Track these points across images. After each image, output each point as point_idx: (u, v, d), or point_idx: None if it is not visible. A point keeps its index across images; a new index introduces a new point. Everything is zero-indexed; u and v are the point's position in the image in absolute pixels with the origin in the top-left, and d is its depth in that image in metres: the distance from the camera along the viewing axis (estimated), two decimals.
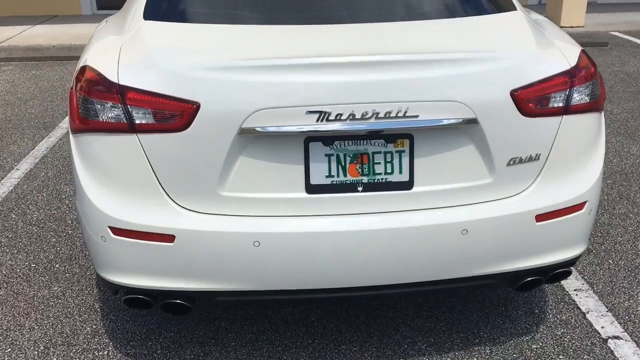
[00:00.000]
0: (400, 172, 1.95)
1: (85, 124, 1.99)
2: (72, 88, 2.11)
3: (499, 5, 2.30)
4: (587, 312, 2.61)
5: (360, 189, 1.95)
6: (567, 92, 2.00)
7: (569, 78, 2.01)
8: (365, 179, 1.95)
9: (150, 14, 2.22)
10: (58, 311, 2.65)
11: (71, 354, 2.40)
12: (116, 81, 1.95)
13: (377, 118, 1.86)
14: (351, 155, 1.94)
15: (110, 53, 2.09)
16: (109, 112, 1.94)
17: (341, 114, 1.85)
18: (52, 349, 2.43)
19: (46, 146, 4.46)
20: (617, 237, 3.18)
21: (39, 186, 3.81)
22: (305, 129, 1.85)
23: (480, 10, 2.25)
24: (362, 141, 1.93)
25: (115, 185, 1.98)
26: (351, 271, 1.97)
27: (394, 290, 2.04)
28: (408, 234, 1.95)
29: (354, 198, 1.95)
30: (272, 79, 1.85)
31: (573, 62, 2.06)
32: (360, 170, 1.94)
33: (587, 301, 2.68)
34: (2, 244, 3.18)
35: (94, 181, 2.01)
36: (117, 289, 2.13)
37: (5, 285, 2.83)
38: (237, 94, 1.85)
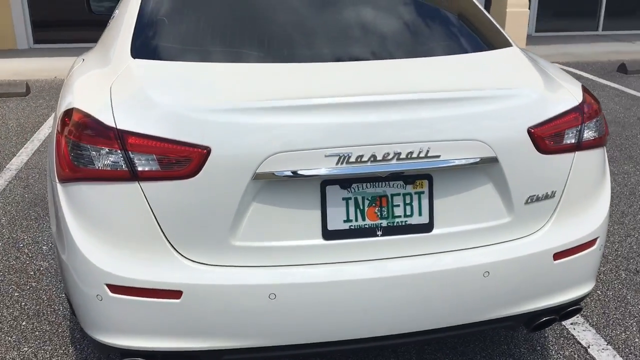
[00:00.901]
0: (420, 214, 1.87)
1: (77, 172, 1.81)
2: (58, 133, 1.93)
3: (497, 41, 2.29)
4: (588, 347, 2.59)
5: (379, 233, 1.86)
6: (579, 129, 1.99)
7: (580, 114, 2.01)
8: (384, 223, 1.86)
9: (139, 51, 2.08)
10: None
11: None
12: (113, 125, 1.79)
13: (398, 159, 1.78)
14: (370, 198, 1.84)
15: (99, 94, 1.93)
16: (106, 159, 1.77)
17: (362, 156, 1.76)
18: None
19: None
20: (600, 268, 3.21)
21: None
22: (325, 172, 1.75)
23: (480, 47, 2.23)
24: (380, 183, 1.84)
25: (113, 239, 1.81)
26: (372, 320, 1.86)
27: (416, 337, 1.94)
28: (430, 278, 1.87)
29: (373, 243, 1.85)
30: (287, 121, 1.74)
31: (580, 99, 2.06)
32: (379, 213, 1.85)
33: (586, 335, 2.66)
34: None
35: (88, 234, 1.83)
36: (111, 352, 1.93)
37: None
38: (251, 137, 1.73)
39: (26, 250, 3.35)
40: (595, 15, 10.80)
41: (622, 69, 7.84)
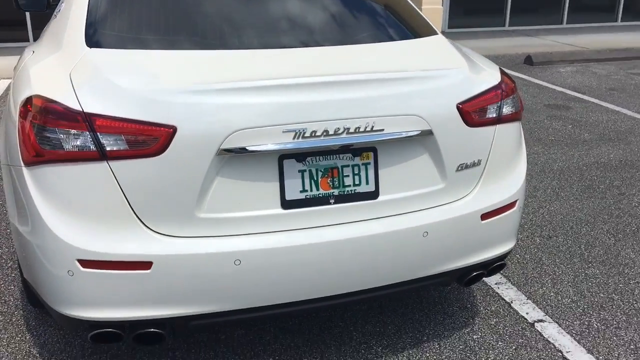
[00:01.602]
0: (367, 183, 2.09)
1: (45, 154, 1.90)
2: (20, 120, 2.00)
3: (425, 30, 2.55)
4: (511, 302, 2.90)
5: (332, 201, 2.06)
6: (499, 104, 2.28)
7: (499, 92, 2.29)
8: (336, 192, 2.06)
9: (93, 40, 2.18)
10: None
11: None
12: (79, 109, 1.89)
13: (347, 133, 1.99)
14: (322, 170, 2.04)
15: (60, 81, 2.02)
16: (75, 141, 1.88)
17: (315, 131, 1.95)
18: None
19: None
20: (518, 235, 3.56)
21: None
22: (282, 147, 1.93)
23: (411, 35, 2.47)
24: (332, 156, 2.04)
25: (84, 216, 1.91)
26: (328, 280, 2.06)
27: (367, 294, 2.16)
28: (377, 240, 2.09)
29: (327, 210, 2.06)
30: (247, 101, 1.91)
31: (498, 78, 2.35)
32: (331, 183, 2.05)
33: (509, 292, 2.98)
34: None
35: (58, 214, 1.92)
36: (81, 326, 2.03)
37: None
38: (214, 116, 1.88)
39: None
40: (502, 12, 11.50)
41: (528, 61, 8.45)
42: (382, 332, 2.67)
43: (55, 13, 2.66)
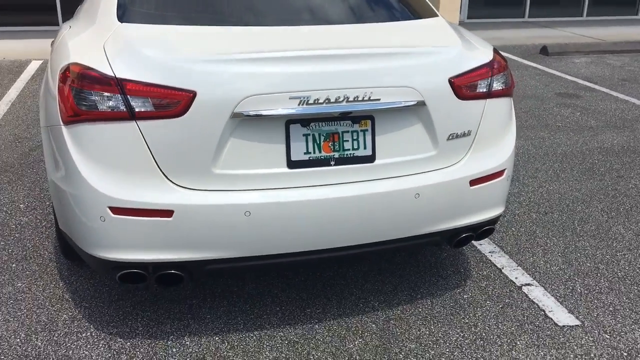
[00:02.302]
0: (365, 147, 2.34)
1: (82, 114, 2.18)
2: (60, 85, 2.28)
3: (426, 12, 2.78)
4: (502, 268, 3.13)
5: (332, 162, 2.31)
6: (489, 80, 2.50)
7: (490, 69, 2.51)
8: (336, 155, 2.31)
9: (124, 17, 2.45)
10: (29, 304, 2.74)
11: (54, 338, 2.53)
12: (112, 74, 2.16)
13: (347, 101, 2.23)
14: (324, 135, 2.29)
15: (95, 51, 2.29)
16: (108, 102, 2.15)
17: (318, 99, 2.20)
18: (33, 335, 2.54)
19: None
20: (515, 211, 3.78)
21: None
22: (288, 112, 2.19)
23: (412, 16, 2.70)
24: (333, 122, 2.29)
25: (114, 169, 2.19)
26: (328, 233, 2.32)
27: (365, 249, 2.41)
28: (373, 199, 2.33)
29: (328, 171, 2.31)
30: (258, 70, 2.16)
31: (490, 57, 2.57)
32: (332, 147, 2.30)
33: (501, 260, 3.21)
34: None
35: (92, 166, 2.20)
36: (111, 267, 2.31)
37: None
38: (230, 83, 2.14)
39: (4, 209, 3.63)
40: (521, 4, 11.59)
41: (544, 52, 8.58)
42: (379, 289, 2.92)
43: None
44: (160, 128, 2.15)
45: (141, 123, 2.15)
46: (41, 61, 7.38)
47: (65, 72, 2.28)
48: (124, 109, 2.14)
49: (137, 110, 2.14)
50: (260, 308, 2.76)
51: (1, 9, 9.32)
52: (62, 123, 2.26)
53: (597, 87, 6.88)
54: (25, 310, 2.69)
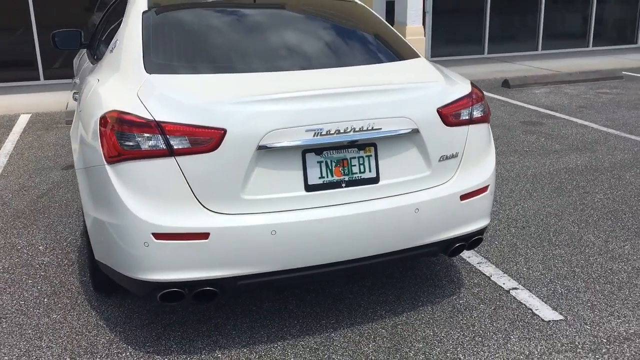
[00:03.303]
0: (370, 170, 2.70)
1: (125, 153, 2.50)
2: (101, 129, 2.60)
3: (410, 54, 3.20)
4: (491, 276, 3.50)
5: (343, 185, 2.67)
6: (470, 109, 2.91)
7: (470, 100, 2.93)
8: (346, 178, 2.67)
9: (151, 69, 2.79)
10: (67, 332, 2.99)
11: (98, 359, 2.78)
12: (151, 118, 2.50)
13: (354, 131, 2.60)
14: (335, 161, 2.65)
15: (131, 100, 2.63)
16: (149, 142, 2.48)
17: (330, 130, 2.57)
18: (77, 358, 2.78)
19: None
20: (496, 227, 4.18)
21: None
22: (305, 142, 2.54)
23: (400, 58, 3.12)
24: (342, 150, 2.66)
25: (156, 199, 2.50)
26: (342, 247, 2.65)
27: (374, 260, 2.74)
28: (379, 215, 2.69)
29: (339, 192, 2.66)
30: (279, 108, 2.53)
31: (469, 89, 2.99)
32: (342, 171, 2.66)
33: (488, 269, 3.58)
34: None
35: (136, 198, 2.51)
36: (152, 288, 2.59)
37: (4, 320, 3.09)
38: (254, 120, 2.50)
39: (25, 251, 3.88)
40: (480, 41, 12.32)
41: (506, 84, 9.18)
42: (384, 300, 3.25)
43: (110, 48, 3.28)
44: (196, 162, 2.48)
45: (179, 158, 2.48)
46: (30, 114, 7.63)
47: (106, 118, 2.60)
48: (164, 147, 2.47)
49: (175, 147, 2.47)
50: (280, 322, 3.06)
51: None
52: (105, 163, 2.57)
53: (557, 114, 7.44)
54: (65, 338, 2.94)
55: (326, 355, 2.79)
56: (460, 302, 3.23)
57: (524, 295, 3.29)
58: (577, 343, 2.87)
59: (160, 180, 2.49)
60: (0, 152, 6.06)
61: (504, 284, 3.41)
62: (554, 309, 3.16)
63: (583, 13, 13.03)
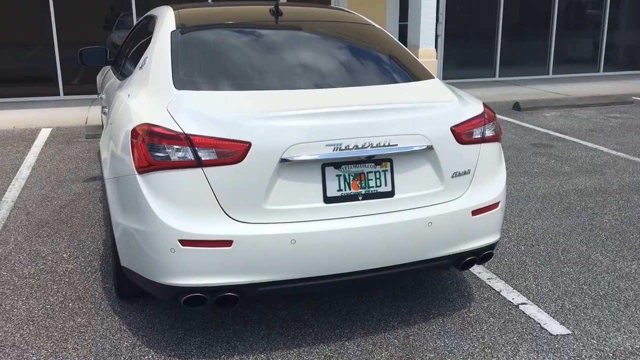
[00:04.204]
0: (386, 185, 2.83)
1: (156, 164, 2.64)
2: (132, 140, 2.75)
3: (426, 75, 3.35)
4: (500, 291, 3.60)
5: (360, 198, 2.79)
6: (482, 128, 3.04)
7: (482, 119, 3.06)
8: (363, 191, 2.80)
9: (179, 85, 2.95)
10: (91, 335, 3.11)
11: None
12: (181, 131, 2.65)
13: (372, 147, 2.74)
14: (353, 175, 2.79)
15: (161, 113, 2.78)
16: (178, 154, 2.62)
17: (348, 145, 2.71)
18: None
19: (0, 217, 4.75)
20: (505, 244, 4.28)
21: (14, 249, 4.15)
22: (325, 156, 2.68)
23: (416, 78, 3.27)
24: (360, 164, 2.79)
25: (183, 208, 2.64)
26: (358, 257, 2.77)
27: (388, 271, 2.85)
28: (394, 227, 2.81)
29: (356, 205, 2.79)
30: (301, 123, 2.67)
31: (481, 109, 3.13)
32: (360, 185, 2.79)
33: (498, 284, 3.68)
34: (8, 294, 3.53)
35: (164, 206, 2.65)
36: (177, 292, 2.72)
37: (31, 323, 3.22)
38: (278, 134, 2.64)
39: (49, 258, 4.02)
40: (492, 65, 12.49)
41: (517, 107, 9.32)
42: (396, 312, 3.35)
43: (139, 65, 3.45)
44: (222, 173, 2.62)
45: (206, 169, 2.62)
46: (50, 128, 7.84)
47: (138, 130, 2.75)
48: (192, 158, 2.61)
49: (203, 159, 2.61)
50: (295, 330, 3.17)
51: (7, 81, 9.84)
52: (135, 172, 2.72)
53: (567, 137, 7.55)
54: (90, 340, 3.06)
55: None
56: (471, 315, 3.33)
57: (532, 310, 3.38)
58: (583, 357, 2.96)
59: (188, 190, 2.63)
60: (23, 165, 6.24)
61: (513, 299, 3.50)
62: (562, 323, 3.25)
63: (594, 38, 13.19)
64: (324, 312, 3.34)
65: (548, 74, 12.88)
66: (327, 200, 2.75)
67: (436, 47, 11.26)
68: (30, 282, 3.67)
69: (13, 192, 5.37)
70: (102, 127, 6.27)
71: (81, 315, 3.30)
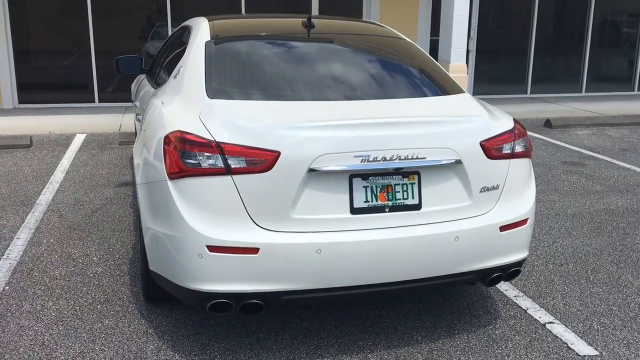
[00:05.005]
0: (413, 197, 2.84)
1: (187, 170, 2.69)
2: (165, 147, 2.81)
3: (456, 89, 3.35)
4: (527, 309, 3.55)
5: (387, 210, 2.80)
6: (512, 144, 3.03)
7: (512, 135, 3.05)
8: (390, 203, 2.81)
9: (212, 94, 3.01)
10: (118, 337, 3.16)
11: None
12: (212, 139, 2.70)
13: (400, 160, 2.75)
14: (380, 187, 2.80)
15: (193, 122, 2.84)
16: (209, 161, 2.67)
17: (377, 157, 2.72)
18: None
19: (34, 219, 4.87)
20: (534, 262, 4.23)
21: (47, 251, 4.25)
22: (353, 167, 2.70)
23: (447, 92, 3.28)
24: (387, 176, 2.80)
25: (211, 214, 2.68)
26: (383, 269, 2.77)
27: (413, 284, 2.85)
28: (420, 241, 2.81)
29: (383, 217, 2.79)
30: (330, 134, 2.69)
31: (511, 125, 3.11)
32: (387, 197, 2.80)
33: (525, 302, 3.63)
34: (39, 294, 3.61)
35: (193, 212, 2.69)
36: (203, 297, 2.75)
37: (61, 324, 3.29)
38: (307, 144, 2.67)
39: (80, 261, 4.10)
40: (523, 81, 12.38)
41: (548, 124, 9.21)
42: (420, 326, 3.33)
43: (174, 74, 3.52)
44: (251, 181, 2.66)
45: (235, 177, 2.66)
46: (85, 134, 8.01)
47: (170, 137, 2.81)
48: (222, 166, 2.66)
49: (233, 166, 2.65)
50: (319, 340, 3.17)
51: (44, 88, 10.10)
52: (167, 178, 2.77)
53: (599, 156, 7.44)
54: (117, 342, 3.11)
55: None
56: (496, 332, 3.29)
57: (559, 330, 3.33)
58: None
59: (217, 197, 2.67)
60: (57, 169, 6.39)
61: (540, 317, 3.46)
62: (590, 344, 3.20)
63: (629, 57, 12.99)
64: (347, 323, 3.34)
65: (581, 91, 12.72)
66: (354, 211, 2.76)
67: (467, 62, 11.22)
68: (61, 284, 3.75)
69: (47, 195, 5.50)
70: (135, 134, 6.39)
71: (109, 318, 3.36)
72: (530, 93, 12.39)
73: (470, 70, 11.89)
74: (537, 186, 6.08)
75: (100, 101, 10.30)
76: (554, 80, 12.54)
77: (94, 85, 10.25)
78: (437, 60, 10.67)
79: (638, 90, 13.08)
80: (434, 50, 11.19)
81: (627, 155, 7.52)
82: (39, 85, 10.10)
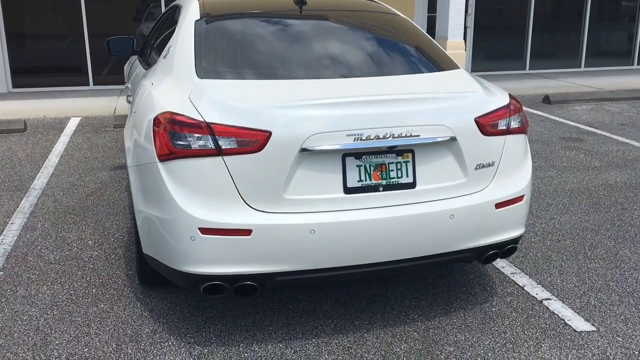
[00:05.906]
0: (407, 176, 2.80)
1: (177, 152, 2.65)
2: (154, 128, 2.76)
3: (451, 65, 3.30)
4: (524, 286, 3.54)
5: (381, 189, 2.77)
6: (507, 120, 2.98)
7: (508, 110, 3.00)
8: (384, 182, 2.77)
9: (202, 75, 2.96)
10: (113, 321, 3.15)
11: (142, 347, 2.93)
12: (202, 119, 2.65)
13: (393, 138, 2.71)
14: (374, 165, 2.76)
15: (183, 102, 2.79)
16: (199, 142, 2.63)
17: (370, 135, 2.68)
18: (123, 345, 2.94)
19: (29, 204, 4.83)
20: (531, 239, 4.21)
21: (41, 235, 4.22)
22: (345, 146, 2.66)
23: (441, 69, 3.22)
24: (381, 155, 2.76)
25: (203, 196, 2.64)
26: (378, 249, 2.75)
27: (408, 263, 2.82)
28: (415, 219, 2.78)
29: (377, 196, 2.76)
30: (322, 113, 2.65)
31: (507, 100, 3.06)
32: (380, 175, 2.76)
33: (522, 279, 3.62)
34: (33, 279, 3.59)
35: (184, 194, 2.66)
36: (197, 280, 2.73)
37: (56, 308, 3.28)
38: (298, 124, 2.62)
39: (75, 245, 4.08)
40: (522, 57, 12.27)
41: (547, 100, 9.14)
42: (417, 305, 3.32)
43: (164, 54, 3.46)
44: (242, 162, 2.62)
45: (226, 158, 2.62)
46: (80, 118, 7.95)
47: (160, 118, 2.76)
48: (213, 147, 2.62)
49: (223, 147, 2.61)
50: (315, 321, 3.16)
51: (38, 72, 10.01)
52: (157, 160, 2.73)
53: (598, 131, 7.39)
54: (112, 326, 3.10)
55: (359, 354, 2.88)
56: (493, 309, 3.28)
57: (556, 306, 3.32)
58: (608, 354, 2.90)
59: (208, 178, 2.64)
60: (52, 153, 6.35)
61: (537, 294, 3.44)
62: (587, 320, 3.19)
63: (628, 31, 12.87)
64: (343, 303, 3.33)
65: (580, 67, 12.62)
66: (347, 190, 2.73)
67: (465, 39, 11.11)
68: (56, 268, 3.73)
69: (42, 179, 5.46)
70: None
71: (104, 301, 3.34)
72: (529, 69, 12.29)
73: (469, 46, 11.77)
74: (535, 162, 6.05)
75: (94, 84, 10.22)
76: (553, 56, 12.43)
77: (89, 69, 10.16)
78: (434, 37, 10.57)
79: (637, 65, 12.98)
80: (431, 27, 11.07)
81: (625, 130, 7.47)
82: (33, 69, 10.01)
